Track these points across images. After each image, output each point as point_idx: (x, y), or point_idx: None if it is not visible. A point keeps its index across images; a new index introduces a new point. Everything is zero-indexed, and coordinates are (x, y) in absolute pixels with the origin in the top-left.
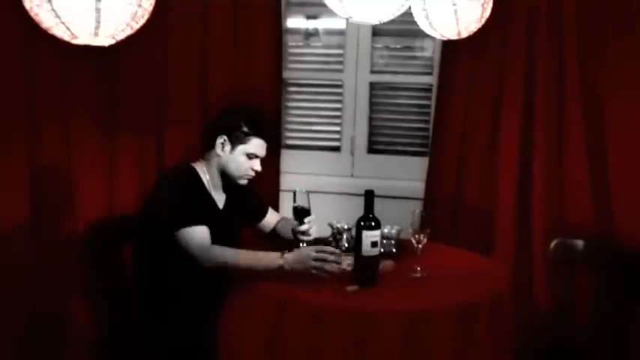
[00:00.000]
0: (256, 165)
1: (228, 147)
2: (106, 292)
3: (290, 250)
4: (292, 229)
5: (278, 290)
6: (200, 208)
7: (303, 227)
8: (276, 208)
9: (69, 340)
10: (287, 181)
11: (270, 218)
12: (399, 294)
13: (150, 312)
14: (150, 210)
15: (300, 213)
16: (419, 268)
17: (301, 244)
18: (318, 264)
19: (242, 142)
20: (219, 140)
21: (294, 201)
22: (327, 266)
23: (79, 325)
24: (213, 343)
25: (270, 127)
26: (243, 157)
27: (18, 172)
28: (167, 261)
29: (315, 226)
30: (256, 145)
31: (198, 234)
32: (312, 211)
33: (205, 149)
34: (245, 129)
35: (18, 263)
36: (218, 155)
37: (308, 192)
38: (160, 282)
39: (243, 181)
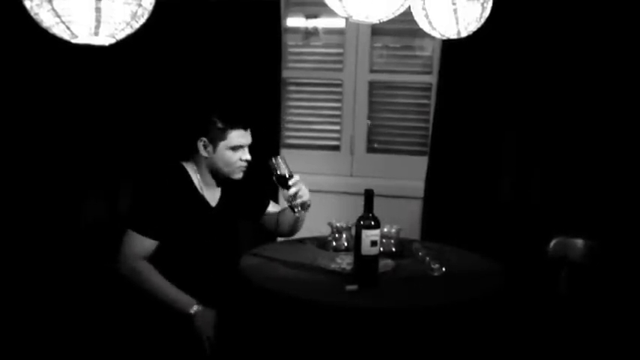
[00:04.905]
0: (245, 154)
1: (210, 147)
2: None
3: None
4: (286, 201)
5: (278, 289)
6: (186, 209)
7: (291, 191)
8: None
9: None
10: None
11: (274, 213)
12: (398, 293)
13: (153, 309)
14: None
15: (283, 180)
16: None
17: (295, 210)
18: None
19: (221, 138)
20: (200, 143)
21: (273, 172)
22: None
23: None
24: (214, 342)
25: (244, 112)
26: (229, 152)
27: (16, 172)
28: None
29: (303, 186)
30: (237, 137)
31: (142, 244)
32: (294, 174)
33: (189, 153)
34: (220, 125)
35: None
36: (204, 157)
37: (283, 158)
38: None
39: (238, 175)
